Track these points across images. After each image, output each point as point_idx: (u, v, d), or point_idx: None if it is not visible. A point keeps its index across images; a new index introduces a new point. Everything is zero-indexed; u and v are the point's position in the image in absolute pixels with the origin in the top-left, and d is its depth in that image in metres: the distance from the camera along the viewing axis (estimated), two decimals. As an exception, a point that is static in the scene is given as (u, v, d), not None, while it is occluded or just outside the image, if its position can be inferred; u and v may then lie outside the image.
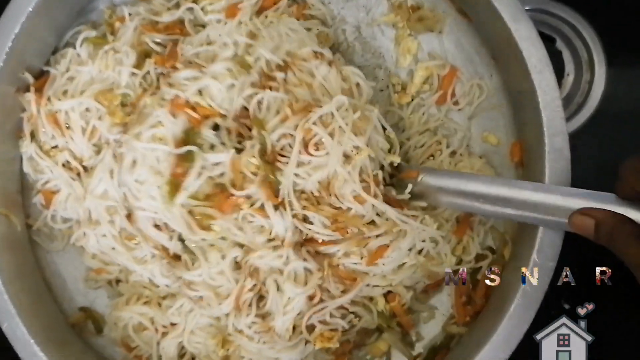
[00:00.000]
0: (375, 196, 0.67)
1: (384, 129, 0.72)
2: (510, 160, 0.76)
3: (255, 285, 0.68)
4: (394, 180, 0.72)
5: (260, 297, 0.70)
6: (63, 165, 0.73)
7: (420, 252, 0.72)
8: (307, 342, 0.70)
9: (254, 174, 0.65)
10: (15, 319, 0.68)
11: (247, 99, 0.68)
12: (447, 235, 0.73)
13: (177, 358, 0.73)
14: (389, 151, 0.72)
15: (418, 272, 0.72)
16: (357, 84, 0.72)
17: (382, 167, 0.71)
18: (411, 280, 0.73)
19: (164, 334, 0.73)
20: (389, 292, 0.73)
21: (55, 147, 0.73)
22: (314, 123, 0.65)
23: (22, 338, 0.68)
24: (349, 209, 0.66)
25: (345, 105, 0.67)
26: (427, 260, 0.72)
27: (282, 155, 0.66)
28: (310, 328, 0.69)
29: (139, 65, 0.72)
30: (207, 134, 0.67)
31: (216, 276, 0.68)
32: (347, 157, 0.66)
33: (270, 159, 0.66)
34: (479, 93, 0.77)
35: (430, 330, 0.77)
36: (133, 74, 0.72)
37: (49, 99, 0.71)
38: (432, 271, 0.73)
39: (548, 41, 0.86)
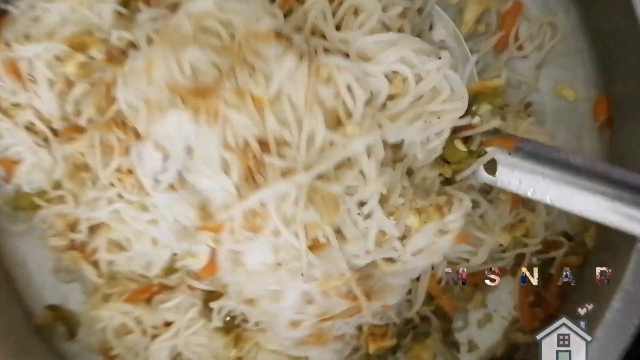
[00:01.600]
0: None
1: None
2: (594, 119, 0.70)
3: None
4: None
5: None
6: (26, 127, 0.66)
7: None
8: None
9: None
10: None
11: None
12: (499, 205, 0.66)
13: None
14: None
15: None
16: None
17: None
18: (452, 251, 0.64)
19: (154, 337, 0.67)
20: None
21: (17, 105, 0.67)
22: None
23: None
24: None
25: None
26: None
27: None
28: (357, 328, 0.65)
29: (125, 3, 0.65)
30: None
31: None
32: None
33: None
34: (551, 34, 0.71)
35: (486, 337, 0.71)
36: (119, 13, 0.63)
37: (7, 43, 0.65)
38: (473, 235, 0.64)
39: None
